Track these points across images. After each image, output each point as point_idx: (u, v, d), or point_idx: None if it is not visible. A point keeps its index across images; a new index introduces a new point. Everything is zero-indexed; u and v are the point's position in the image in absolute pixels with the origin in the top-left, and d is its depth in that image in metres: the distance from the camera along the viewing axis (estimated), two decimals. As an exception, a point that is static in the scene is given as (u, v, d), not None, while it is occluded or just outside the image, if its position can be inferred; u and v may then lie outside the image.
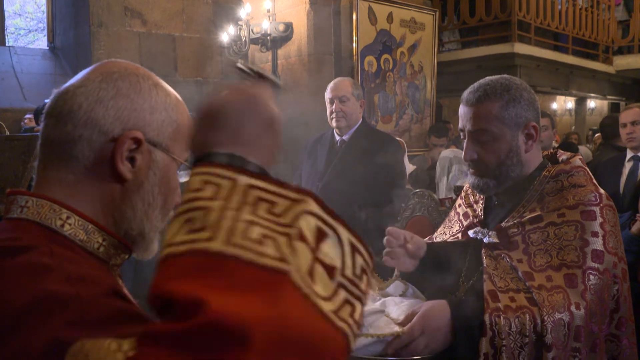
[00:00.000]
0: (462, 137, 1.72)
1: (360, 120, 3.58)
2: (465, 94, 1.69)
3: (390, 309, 1.53)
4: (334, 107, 3.47)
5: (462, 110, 1.69)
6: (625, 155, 4.06)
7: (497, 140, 1.63)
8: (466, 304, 1.54)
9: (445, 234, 1.95)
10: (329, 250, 0.69)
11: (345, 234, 0.72)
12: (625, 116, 4.01)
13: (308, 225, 0.69)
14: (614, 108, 12.80)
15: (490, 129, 1.62)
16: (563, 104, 14.02)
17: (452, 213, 1.99)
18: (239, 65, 0.87)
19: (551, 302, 1.44)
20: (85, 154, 0.94)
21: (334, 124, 3.51)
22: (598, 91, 11.12)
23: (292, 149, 4.72)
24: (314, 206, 0.70)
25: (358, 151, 3.45)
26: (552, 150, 1.83)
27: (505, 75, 1.70)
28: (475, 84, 1.68)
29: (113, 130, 0.94)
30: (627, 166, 3.99)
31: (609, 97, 11.90)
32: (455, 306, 1.52)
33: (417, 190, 4.13)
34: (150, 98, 0.98)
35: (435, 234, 2.03)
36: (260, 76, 0.85)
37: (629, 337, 1.57)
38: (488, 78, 1.69)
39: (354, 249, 0.72)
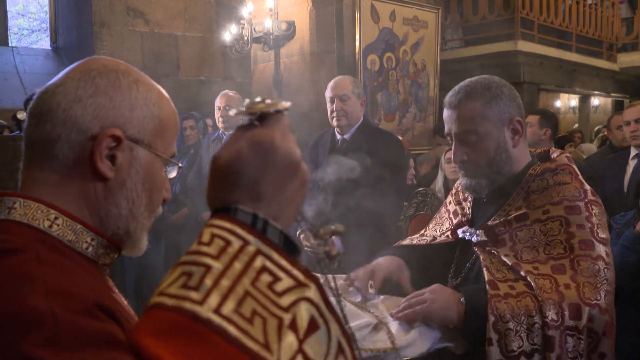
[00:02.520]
0: (449, 140, 1.72)
1: (362, 118, 3.56)
2: (447, 97, 1.70)
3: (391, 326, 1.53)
4: (334, 106, 3.46)
5: (446, 113, 1.70)
6: (629, 153, 4.03)
7: (484, 139, 1.64)
8: (471, 288, 1.57)
9: (436, 231, 1.95)
10: (315, 345, 0.66)
11: (336, 331, 0.69)
12: (629, 114, 3.97)
13: (303, 313, 0.66)
14: (618, 106, 12.74)
15: (475, 128, 1.63)
16: (567, 101, 13.97)
17: (443, 210, 1.99)
18: (239, 110, 0.76)
19: (538, 285, 1.45)
20: (65, 153, 0.93)
21: (334, 123, 3.50)
22: (602, 89, 11.08)
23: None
24: (315, 294, 0.68)
25: (359, 150, 3.43)
26: (545, 148, 1.83)
27: (484, 75, 1.72)
28: (456, 87, 1.70)
29: (92, 129, 0.93)
30: (631, 164, 3.96)
31: (613, 94, 11.86)
32: (462, 289, 1.57)
33: (421, 189, 4.12)
34: (130, 95, 0.97)
35: (427, 230, 2.02)
36: (271, 113, 0.74)
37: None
38: (468, 79, 1.70)
39: (339, 350, 0.69)
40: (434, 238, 1.91)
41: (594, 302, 1.44)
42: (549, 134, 4.24)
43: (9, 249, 0.83)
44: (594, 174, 4.14)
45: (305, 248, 3.54)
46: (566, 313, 1.41)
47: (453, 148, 1.69)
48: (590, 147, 7.79)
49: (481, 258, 1.62)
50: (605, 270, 1.50)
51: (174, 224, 5.04)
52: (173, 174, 1.08)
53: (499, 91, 1.65)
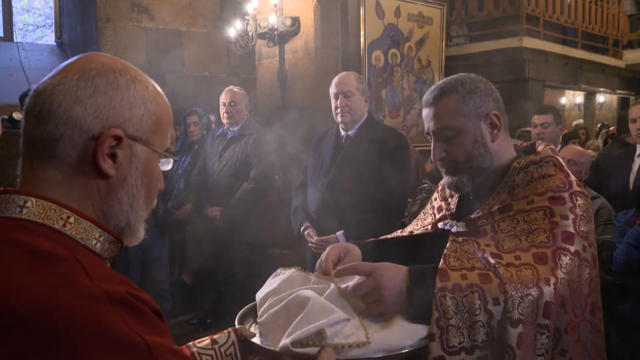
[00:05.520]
0: (429, 139, 1.73)
1: (366, 115, 3.56)
2: (424, 96, 1.73)
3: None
4: (338, 102, 3.45)
5: (424, 112, 1.72)
6: (635, 151, 4.01)
7: (460, 134, 1.65)
8: (420, 273, 1.52)
9: (417, 225, 1.95)
10: None
11: None
12: (635, 111, 3.95)
13: None
14: (624, 103, 12.70)
15: (451, 124, 1.65)
16: (572, 98, 13.93)
17: (429, 206, 1.99)
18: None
19: (520, 278, 1.42)
20: (68, 152, 0.95)
21: (338, 119, 3.50)
22: (607, 85, 11.04)
23: (300, 143, 4.71)
24: None
25: (363, 146, 3.43)
26: (530, 142, 1.82)
27: (461, 73, 1.74)
28: (432, 86, 1.73)
29: (93, 129, 0.95)
30: (637, 162, 3.94)
31: (618, 91, 11.82)
32: (413, 267, 1.53)
33: (425, 185, 4.11)
34: (129, 93, 1.00)
35: (409, 226, 2.01)
36: None
37: (598, 323, 1.56)
38: (444, 78, 1.73)
39: None
40: (412, 232, 1.90)
41: (564, 303, 1.44)
42: (563, 129, 4.28)
43: (46, 252, 0.86)
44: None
45: (310, 244, 3.55)
46: (541, 311, 1.40)
47: (432, 146, 1.70)
48: (597, 144, 7.77)
49: (447, 246, 1.61)
50: (581, 267, 1.49)
51: (178, 219, 5.05)
52: (167, 166, 1.12)
53: (473, 86, 1.66)
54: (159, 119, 1.04)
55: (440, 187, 1.95)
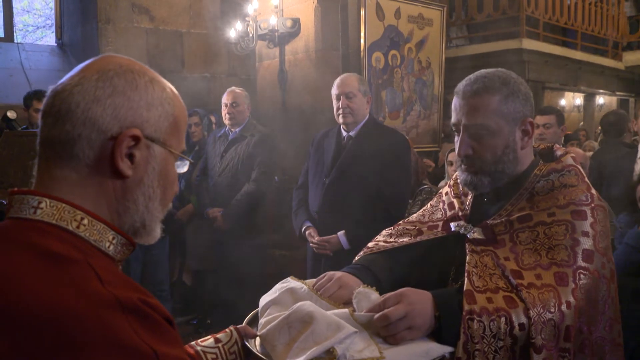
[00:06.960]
0: (455, 131, 1.65)
1: (367, 116, 3.57)
2: (461, 86, 1.62)
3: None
4: (340, 103, 3.46)
5: (458, 103, 1.62)
6: (637, 152, 4.02)
7: (494, 136, 1.57)
8: (446, 297, 1.48)
9: (424, 217, 1.88)
10: None
11: None
12: None
13: None
14: (623, 104, 12.70)
15: (488, 123, 1.56)
16: (571, 100, 13.94)
17: (437, 199, 1.92)
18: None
19: (542, 301, 1.39)
20: (86, 152, 0.95)
21: (340, 120, 3.50)
22: (607, 87, 11.04)
23: (301, 144, 4.71)
24: None
25: (365, 147, 3.44)
26: (547, 145, 1.78)
27: (501, 69, 1.64)
28: (472, 76, 1.62)
29: (111, 129, 0.95)
30: (640, 163, 3.95)
31: (618, 93, 11.81)
32: (437, 292, 1.48)
33: (425, 186, 4.12)
34: (147, 94, 0.99)
35: (415, 215, 1.94)
36: None
37: (615, 338, 1.55)
38: (484, 71, 1.62)
39: None
40: (420, 231, 1.81)
41: (580, 323, 1.44)
42: (565, 130, 4.29)
43: (58, 255, 0.86)
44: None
45: (311, 244, 3.55)
46: (562, 335, 1.39)
47: (459, 139, 1.61)
48: (593, 145, 7.78)
49: (467, 259, 1.56)
50: (599, 284, 1.48)
51: (178, 220, 5.05)
52: (184, 168, 1.12)
53: (516, 88, 1.58)
54: (175, 120, 1.04)
55: (452, 182, 1.87)
